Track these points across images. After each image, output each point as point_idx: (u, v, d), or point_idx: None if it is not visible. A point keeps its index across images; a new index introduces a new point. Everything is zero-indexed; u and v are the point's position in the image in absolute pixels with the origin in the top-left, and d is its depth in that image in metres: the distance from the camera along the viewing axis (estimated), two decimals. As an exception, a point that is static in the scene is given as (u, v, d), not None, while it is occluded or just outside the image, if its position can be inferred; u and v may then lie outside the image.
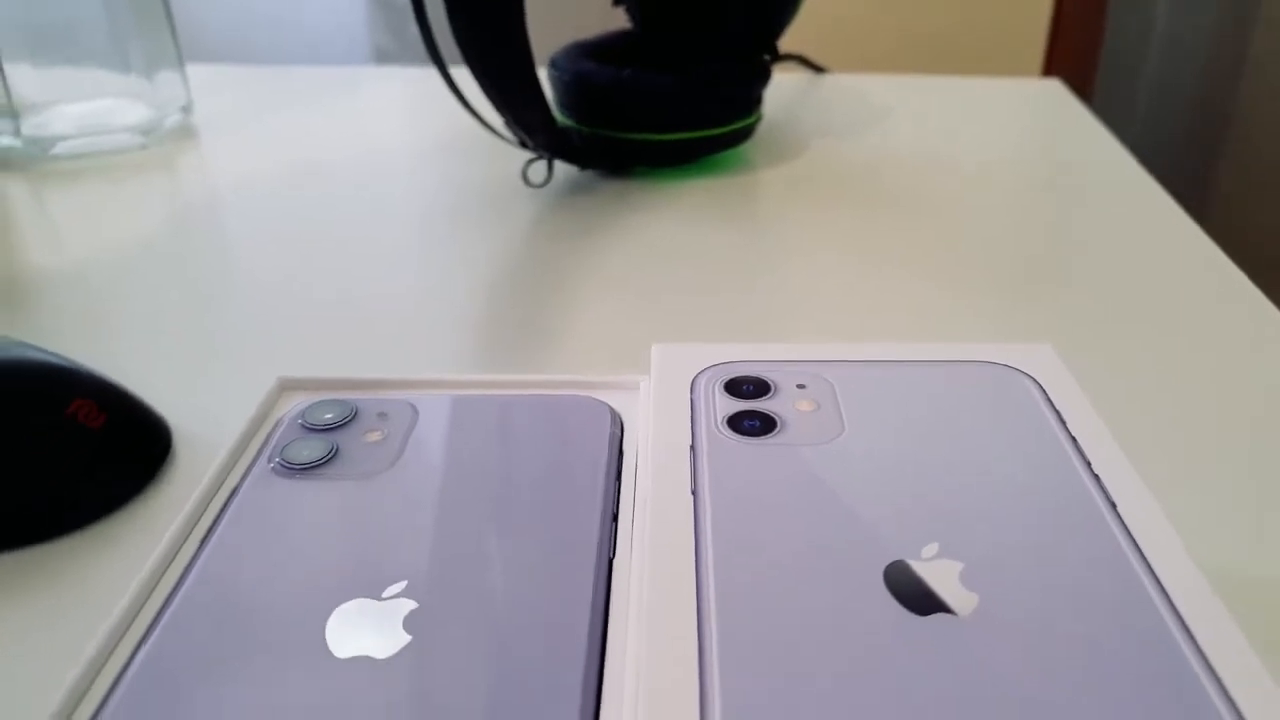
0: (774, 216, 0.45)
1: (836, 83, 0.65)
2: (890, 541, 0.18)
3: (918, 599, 0.17)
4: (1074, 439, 0.21)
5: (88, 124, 0.53)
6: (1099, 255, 0.41)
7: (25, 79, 0.51)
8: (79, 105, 0.53)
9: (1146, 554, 0.18)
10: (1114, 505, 0.19)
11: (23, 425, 0.27)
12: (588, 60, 0.47)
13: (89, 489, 0.27)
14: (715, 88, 0.46)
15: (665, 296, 0.38)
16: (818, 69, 0.65)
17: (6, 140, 0.52)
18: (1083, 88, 1.20)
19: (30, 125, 0.52)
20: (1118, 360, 0.33)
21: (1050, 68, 1.17)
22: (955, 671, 0.16)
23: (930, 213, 0.45)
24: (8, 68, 0.51)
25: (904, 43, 1.11)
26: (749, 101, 0.48)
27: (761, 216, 0.45)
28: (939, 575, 0.17)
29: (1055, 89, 0.64)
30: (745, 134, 0.49)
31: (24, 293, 0.39)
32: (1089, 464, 0.20)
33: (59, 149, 0.52)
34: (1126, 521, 0.19)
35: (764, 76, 0.48)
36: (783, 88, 0.62)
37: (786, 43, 0.56)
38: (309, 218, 0.45)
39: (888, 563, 0.18)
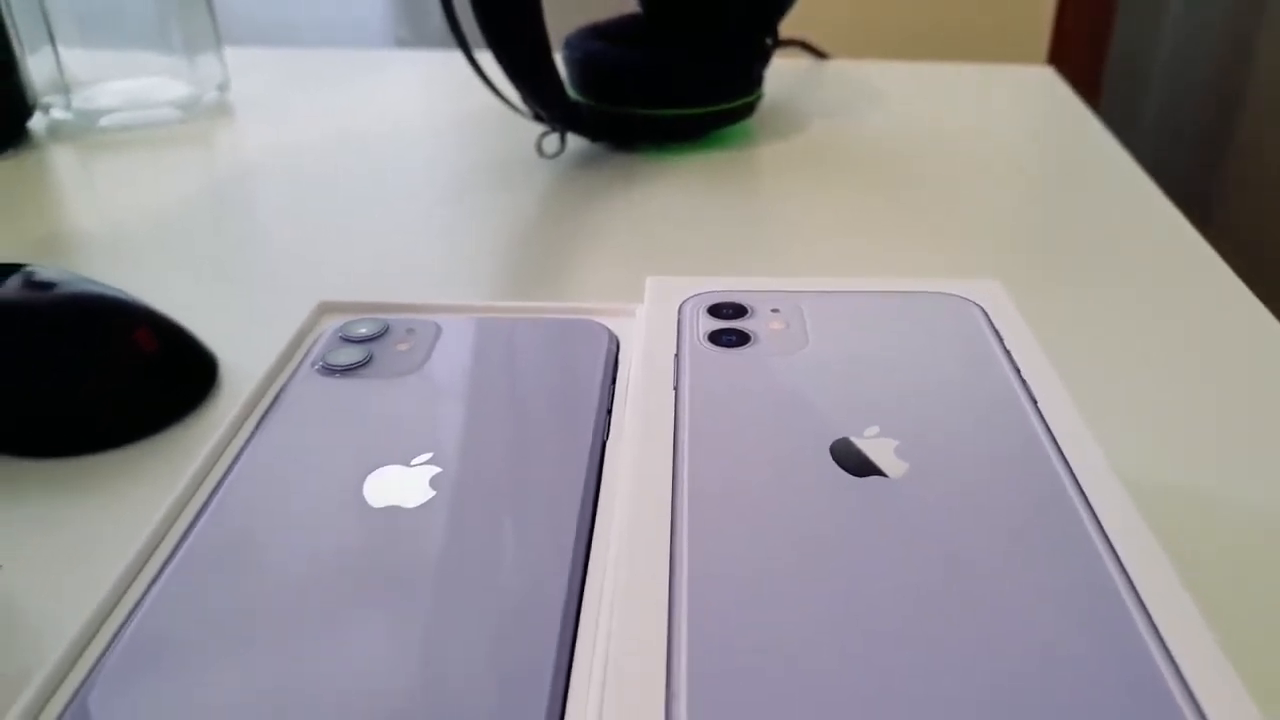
0: (771, 188, 0.48)
1: (837, 68, 0.68)
2: (838, 425, 0.21)
3: (856, 465, 0.20)
4: (1008, 352, 0.24)
5: (132, 99, 0.57)
6: (1074, 223, 0.44)
7: (76, 58, 0.55)
8: (124, 82, 0.57)
9: (1058, 438, 0.21)
10: (1035, 402, 0.22)
11: (93, 348, 0.30)
12: (598, 41, 0.51)
13: (150, 404, 0.31)
14: (716, 67, 0.49)
15: (665, 256, 0.41)
16: (820, 55, 0.69)
17: (58, 113, 0.56)
18: (1089, 85, 1.22)
19: (80, 100, 0.56)
20: (1076, 308, 0.36)
21: (1055, 64, 1.19)
22: (883, 518, 0.19)
23: (919, 187, 0.48)
24: (61, 48, 0.55)
25: (908, 35, 1.14)
26: (749, 80, 0.51)
27: (760, 188, 0.48)
28: (876, 448, 0.21)
29: (1048, 76, 0.67)
30: (746, 111, 0.52)
31: (74, 247, 0.42)
32: (1018, 370, 0.23)
33: (105, 122, 0.56)
34: (1044, 413, 0.22)
35: (764, 57, 0.52)
36: (786, 72, 0.66)
37: (794, 30, 0.60)
38: (338, 183, 0.49)
39: (833, 439, 0.21)
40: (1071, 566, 0.18)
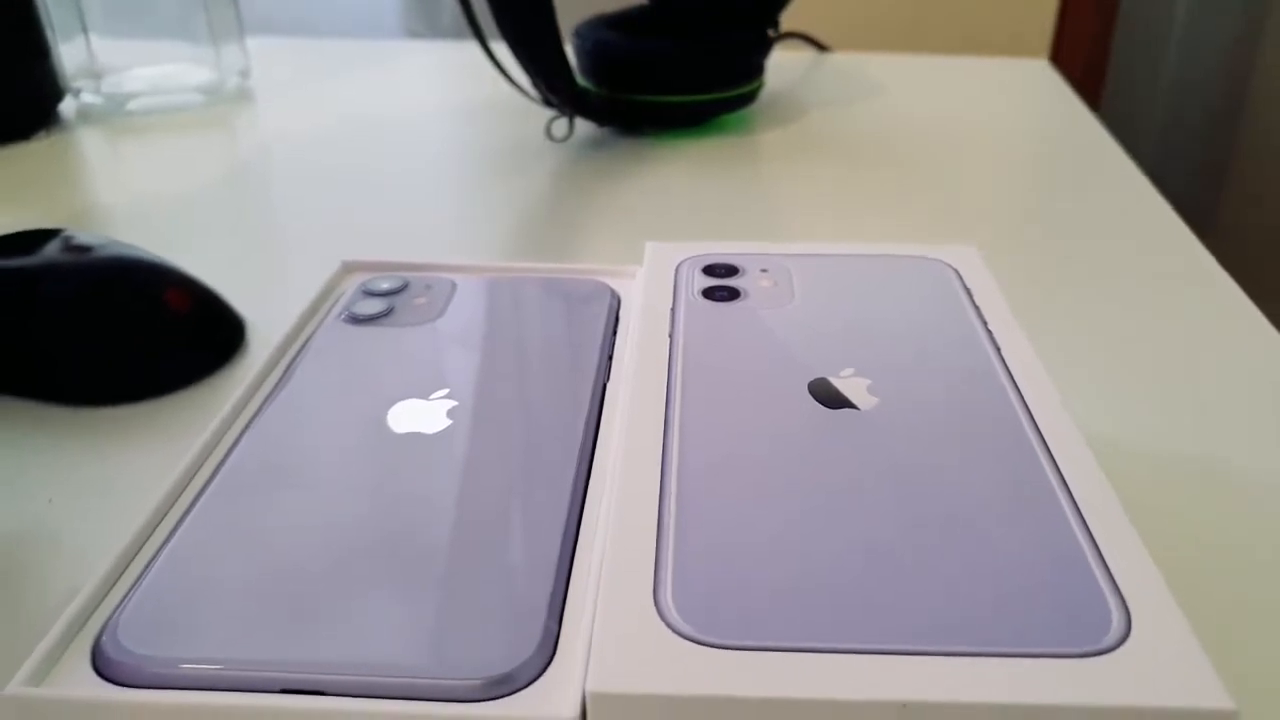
0: (769, 171, 0.50)
1: (837, 61, 0.70)
2: (816, 367, 0.23)
3: (830, 399, 0.22)
4: (977, 308, 0.26)
5: (158, 85, 0.59)
6: (1061, 209, 0.46)
7: (107, 46, 0.58)
8: (151, 69, 0.60)
9: (1016, 379, 0.23)
10: (999, 350, 0.24)
11: (129, 306, 0.33)
12: (607, 30, 0.53)
13: (182, 359, 0.33)
14: (719, 56, 0.52)
15: (666, 231, 0.43)
16: (822, 48, 0.71)
17: (88, 97, 0.58)
18: (1092, 87, 1.24)
19: (109, 85, 0.58)
20: (1059, 287, 0.38)
21: (1058, 65, 1.21)
22: (850, 439, 0.21)
23: (912, 174, 0.50)
24: (92, 36, 0.57)
25: (912, 35, 1.16)
26: (750, 69, 0.54)
27: (758, 171, 0.50)
28: (850, 386, 0.23)
29: (1044, 70, 0.69)
30: (747, 99, 0.54)
31: (104, 221, 0.45)
32: (985, 323, 0.26)
33: (133, 106, 0.58)
34: (1006, 360, 0.24)
35: (765, 47, 0.54)
36: (788, 64, 0.68)
37: (798, 25, 0.62)
38: (354, 164, 0.51)
39: (812, 379, 0.23)
40: (1015, 474, 0.20)
